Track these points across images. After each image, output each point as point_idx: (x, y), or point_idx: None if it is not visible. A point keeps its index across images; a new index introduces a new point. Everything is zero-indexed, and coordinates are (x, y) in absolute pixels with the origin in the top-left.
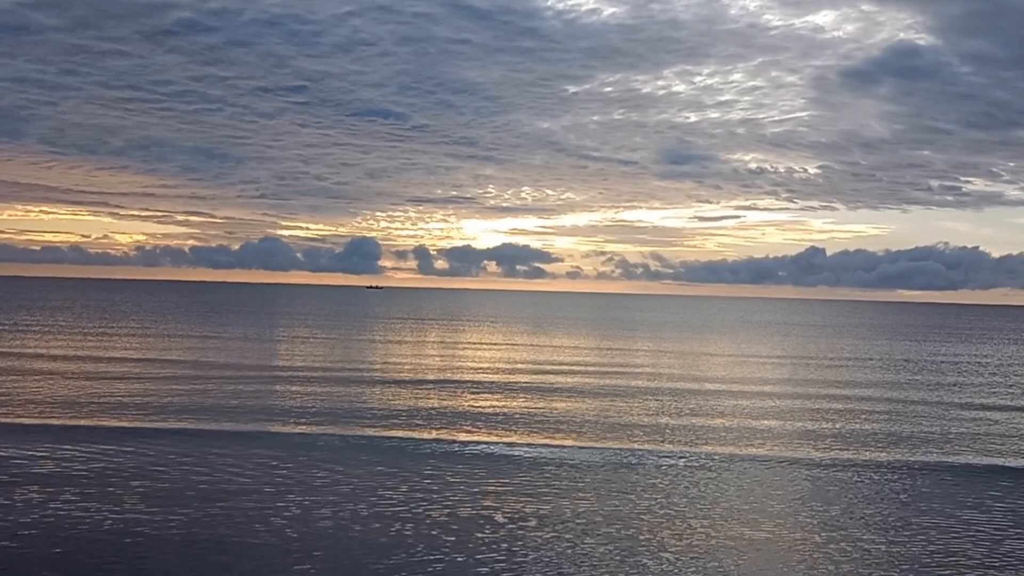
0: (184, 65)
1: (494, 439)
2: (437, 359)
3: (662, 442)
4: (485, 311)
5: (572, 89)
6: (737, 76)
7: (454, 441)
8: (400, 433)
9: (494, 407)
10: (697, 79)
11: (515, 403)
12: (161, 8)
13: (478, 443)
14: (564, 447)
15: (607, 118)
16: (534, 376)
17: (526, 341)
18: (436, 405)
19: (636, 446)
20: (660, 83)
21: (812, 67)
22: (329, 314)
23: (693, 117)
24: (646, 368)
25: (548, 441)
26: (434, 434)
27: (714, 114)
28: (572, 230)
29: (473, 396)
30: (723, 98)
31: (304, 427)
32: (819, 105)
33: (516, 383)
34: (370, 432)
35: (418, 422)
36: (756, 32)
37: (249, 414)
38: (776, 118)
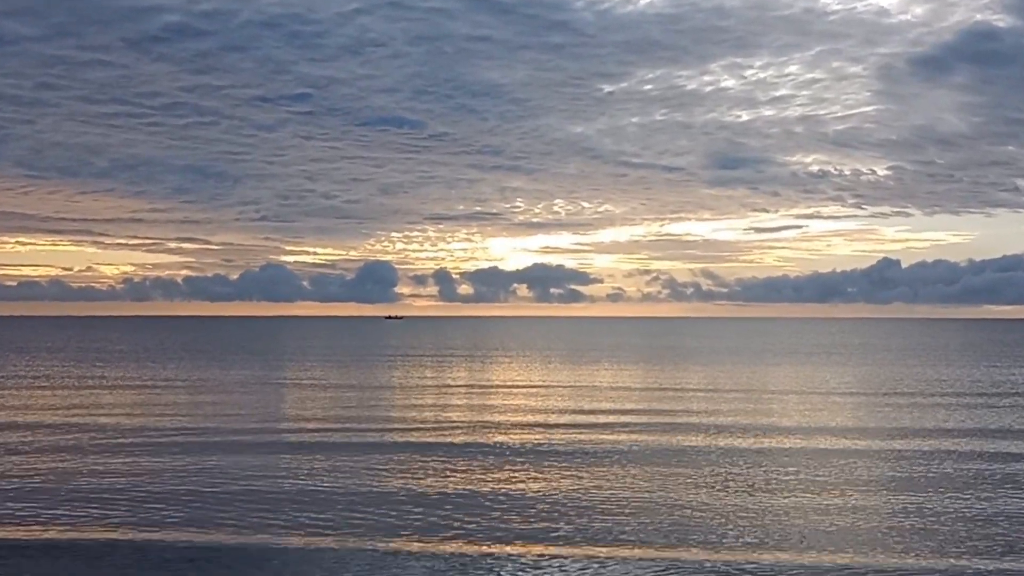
0: (174, 75)
1: (520, 550)
2: (462, 410)
3: (765, 547)
4: (516, 341)
5: (608, 88)
6: (793, 68)
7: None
8: (415, 546)
9: (525, 487)
10: (748, 73)
11: (550, 480)
12: (148, 12)
13: (499, 557)
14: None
15: (648, 120)
16: (573, 435)
17: (563, 380)
18: (460, 486)
19: (728, 557)
20: (707, 79)
21: (877, 55)
22: (344, 351)
23: (745, 116)
24: (710, 415)
25: (592, 551)
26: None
27: (768, 111)
28: (612, 247)
29: (499, 467)
30: (778, 93)
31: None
32: (887, 98)
33: (552, 445)
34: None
35: (435, 519)
36: (813, 18)
37: (253, 526)
38: (839, 114)
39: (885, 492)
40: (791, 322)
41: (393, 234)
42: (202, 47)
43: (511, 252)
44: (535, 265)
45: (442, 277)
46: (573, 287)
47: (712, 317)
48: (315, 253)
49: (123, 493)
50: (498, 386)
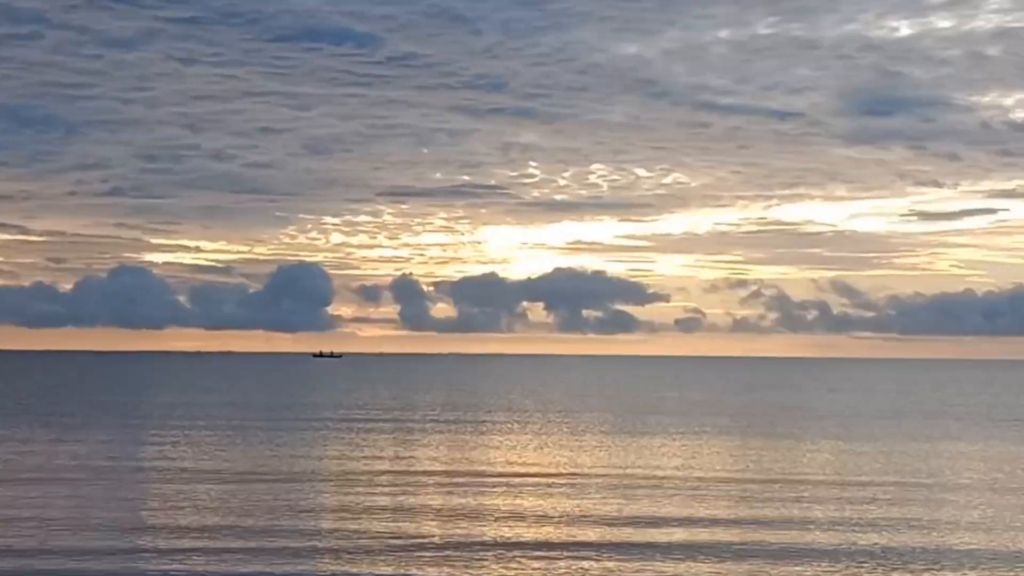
0: None
1: None
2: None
3: None
4: (523, 405)
5: None
6: None
7: None
8: None
9: None
10: None
11: None
12: None
13: None
14: None
15: (745, 34)
16: None
17: (609, 511)
18: None
19: None
20: None
21: None
22: (234, 422)
23: (905, 28)
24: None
25: None
26: None
27: (945, 21)
28: (685, 242)
29: None
30: None
31: None
32: None
33: None
34: None
35: None
36: None
37: None
38: None
39: None
40: (979, 365)
41: (327, 220)
42: None
43: (519, 250)
44: (557, 272)
45: (406, 290)
46: (620, 307)
47: (849, 358)
48: (199, 250)
49: None
50: (506, 516)
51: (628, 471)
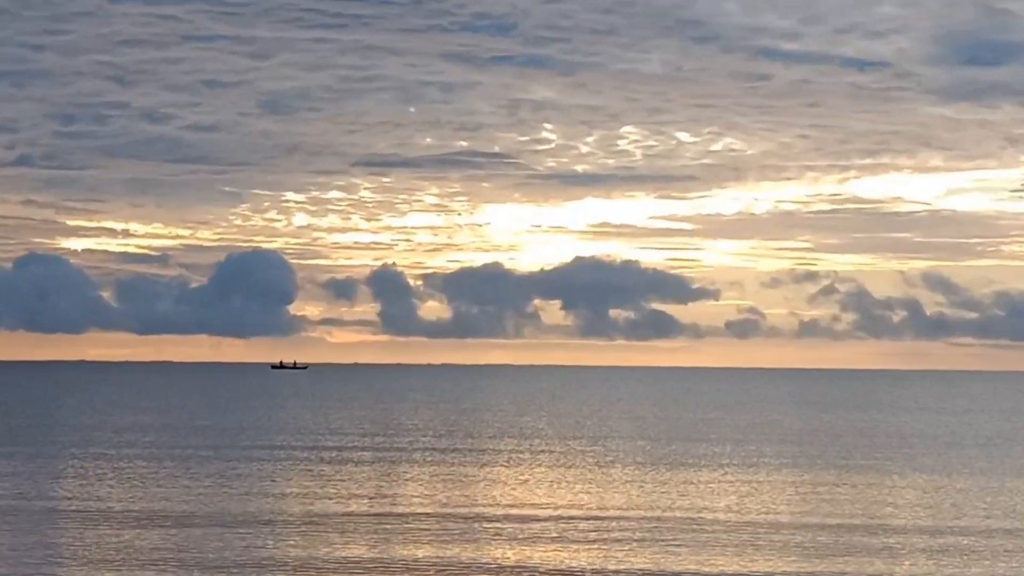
0: None
1: None
2: None
3: None
4: (535, 429)
5: None
6: None
7: None
8: None
9: None
10: None
11: None
12: None
13: None
14: None
15: None
16: None
17: (644, 565)
18: None
19: None
20: None
21: None
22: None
23: None
24: None
25: None
26: None
27: None
28: (738, 225)
29: None
30: None
31: None
32: None
33: None
34: None
35: None
36: None
37: None
38: None
39: None
40: None
41: (288, 196)
42: None
43: (530, 235)
44: (579, 261)
45: (388, 285)
46: (658, 307)
47: (945, 370)
48: (127, 234)
49: None
50: None
51: (666, 514)
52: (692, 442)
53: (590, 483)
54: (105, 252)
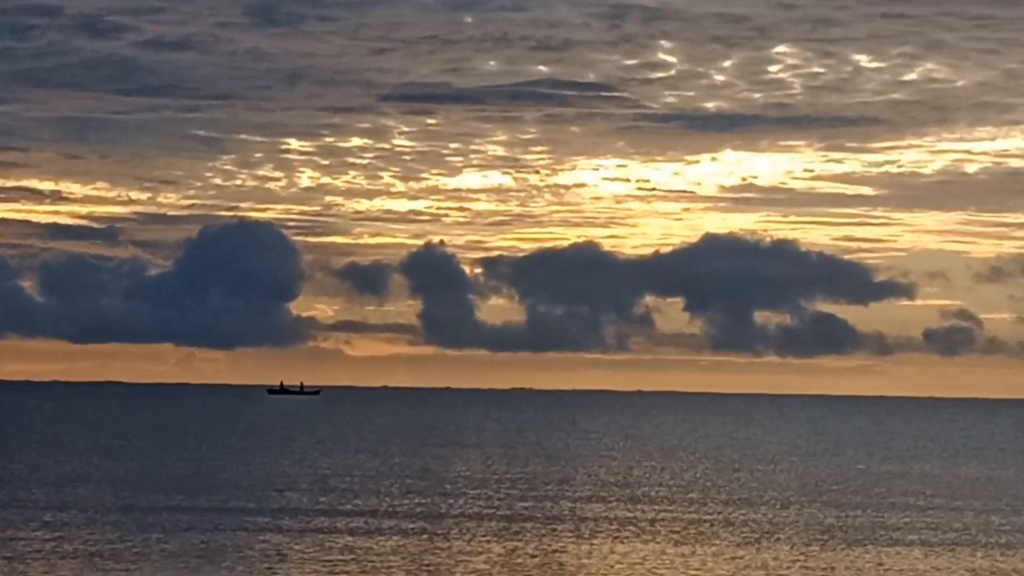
0: None
1: None
2: None
3: None
4: (655, 487)
5: None
6: None
7: None
8: None
9: None
10: None
11: None
12: None
13: None
14: None
15: None
16: None
17: None
18: None
19: None
20: None
21: None
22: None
23: None
24: None
25: None
26: None
27: None
28: (942, 190)
29: None
30: None
31: None
32: None
33: None
34: None
35: None
36: None
37: None
38: None
39: None
40: None
41: (288, 144)
42: None
43: (640, 202)
44: (710, 240)
45: (433, 273)
46: (826, 308)
47: None
48: (59, 197)
49: None
50: None
51: None
52: (879, 510)
53: (739, 562)
54: (25, 223)
